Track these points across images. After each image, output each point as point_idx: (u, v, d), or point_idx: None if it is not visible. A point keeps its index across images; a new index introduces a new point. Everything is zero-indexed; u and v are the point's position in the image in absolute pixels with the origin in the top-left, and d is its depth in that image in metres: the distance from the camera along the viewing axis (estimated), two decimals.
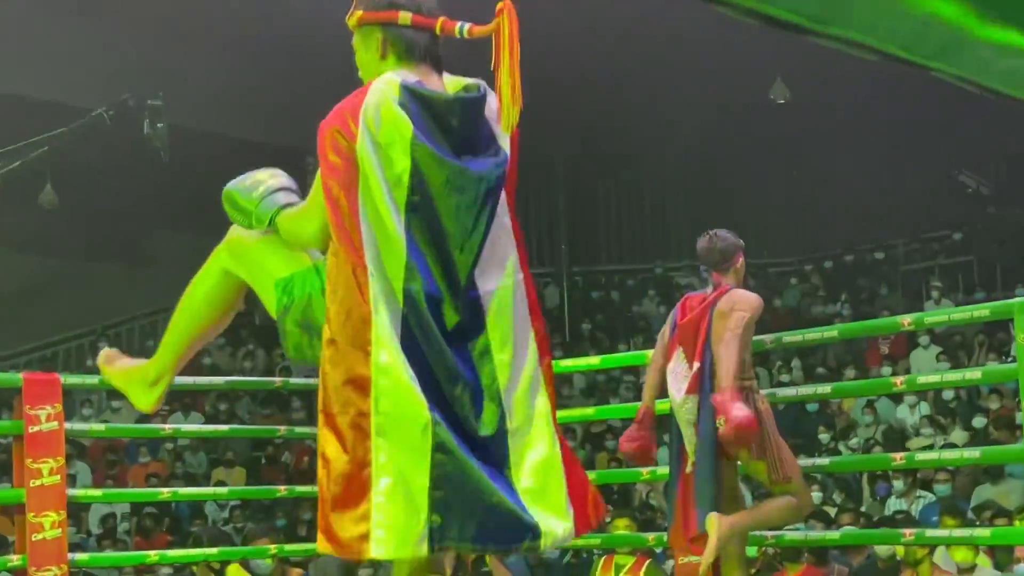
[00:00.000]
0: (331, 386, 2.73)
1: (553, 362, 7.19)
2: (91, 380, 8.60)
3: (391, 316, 2.73)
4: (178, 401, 13.05)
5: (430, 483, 2.67)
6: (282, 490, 7.38)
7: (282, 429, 7.67)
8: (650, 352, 5.81)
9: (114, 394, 13.14)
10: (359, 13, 2.90)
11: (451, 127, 2.86)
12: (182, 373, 12.50)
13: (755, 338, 5.30)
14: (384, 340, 2.69)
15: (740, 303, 4.74)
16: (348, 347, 2.70)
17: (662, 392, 5.04)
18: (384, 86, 2.83)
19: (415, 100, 2.83)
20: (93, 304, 15.73)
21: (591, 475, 7.84)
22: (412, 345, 2.73)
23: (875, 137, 15.26)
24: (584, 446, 12.33)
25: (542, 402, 2.92)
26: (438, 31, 2.90)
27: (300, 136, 14.32)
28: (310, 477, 12.29)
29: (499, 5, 2.85)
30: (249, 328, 15.53)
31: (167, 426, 8.70)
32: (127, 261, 16.57)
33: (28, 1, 11.64)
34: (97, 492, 7.82)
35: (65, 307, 15.59)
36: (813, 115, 14.67)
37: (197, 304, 3.29)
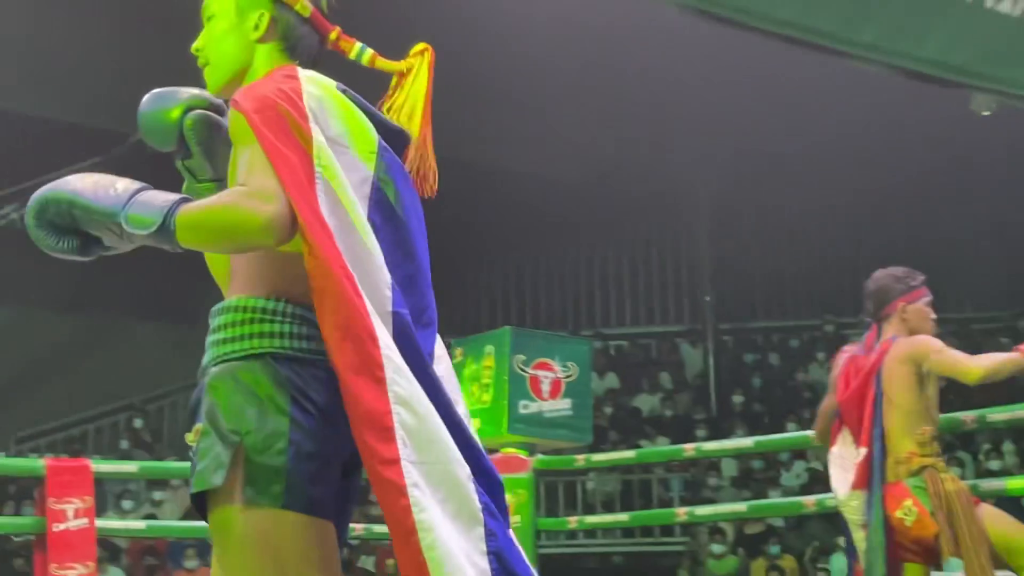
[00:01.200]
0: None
1: (699, 445, 7.14)
2: (128, 467, 8.84)
3: (390, 337, 2.56)
4: None
5: (488, 559, 2.53)
6: None
7: (359, 527, 7.69)
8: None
9: (156, 484, 13.42)
10: None
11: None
12: None
13: (953, 415, 5.20)
14: (396, 362, 2.52)
15: (914, 344, 4.83)
16: (351, 374, 2.52)
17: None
18: (319, 79, 2.71)
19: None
20: (131, 372, 16.07)
21: None
22: (420, 381, 2.57)
23: None
24: (736, 551, 12.18)
25: None
26: (330, 42, 2.89)
27: None
28: None
29: (419, 46, 2.87)
30: None
31: None
32: (171, 320, 16.91)
33: (70, 19, 12.03)
34: None
35: (98, 376, 15.95)
36: None
37: None
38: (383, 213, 2.68)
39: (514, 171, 14.91)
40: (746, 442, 7.40)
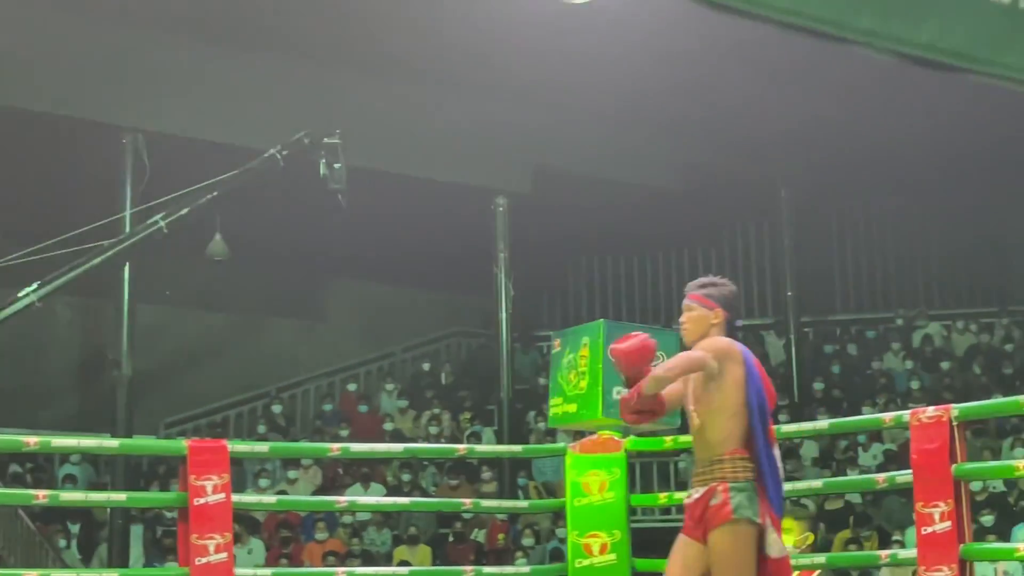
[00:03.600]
0: None
1: (776, 427, 7.05)
2: (262, 447, 8.95)
3: None
4: (357, 471, 13.32)
5: None
6: (469, 571, 7.42)
7: (468, 502, 7.72)
8: (890, 415, 5.62)
9: (291, 461, 13.57)
10: None
11: None
12: (360, 436, 12.87)
13: None
14: None
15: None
16: None
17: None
18: None
19: None
20: (265, 363, 16.26)
21: (822, 557, 7.62)
22: None
23: None
24: (817, 526, 12.02)
25: None
26: None
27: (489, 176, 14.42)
28: (506, 558, 12.37)
29: None
30: (435, 389, 15.79)
31: (344, 499, 8.87)
32: (302, 315, 17.10)
33: (188, 34, 12.18)
34: (267, 572, 8.01)
35: (235, 367, 16.17)
36: None
37: None
38: None
39: (610, 180, 14.86)
40: (821, 424, 7.29)
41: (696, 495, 4.66)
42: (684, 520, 4.74)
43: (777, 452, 4.69)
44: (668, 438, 7.63)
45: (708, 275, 5.17)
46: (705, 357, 4.67)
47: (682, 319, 4.90)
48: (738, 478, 4.57)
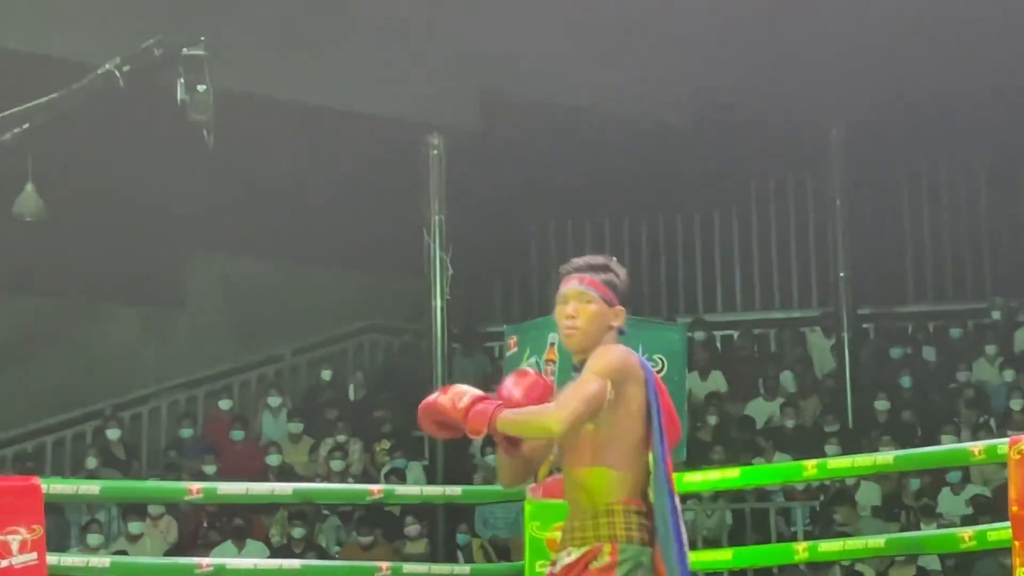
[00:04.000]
0: None
1: (822, 462, 7.06)
2: (91, 488, 8.90)
3: None
4: (228, 523, 13.28)
5: None
6: None
7: (385, 567, 7.71)
8: (980, 445, 5.66)
9: (134, 510, 13.50)
10: None
11: None
12: (233, 473, 12.82)
13: None
14: None
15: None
16: None
17: None
18: None
19: None
20: (98, 369, 16.20)
21: None
22: None
23: None
24: None
25: None
26: None
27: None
28: None
29: None
30: (339, 408, 15.76)
31: (208, 561, 8.83)
32: (151, 302, 17.03)
33: None
34: None
35: (55, 374, 16.09)
36: None
37: None
38: None
39: (588, 111, 14.87)
40: (886, 458, 7.31)
41: (569, 559, 4.63)
42: None
43: (678, 503, 4.70)
44: None
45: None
46: (604, 388, 4.57)
47: (570, 311, 4.78)
48: (632, 537, 4.59)
